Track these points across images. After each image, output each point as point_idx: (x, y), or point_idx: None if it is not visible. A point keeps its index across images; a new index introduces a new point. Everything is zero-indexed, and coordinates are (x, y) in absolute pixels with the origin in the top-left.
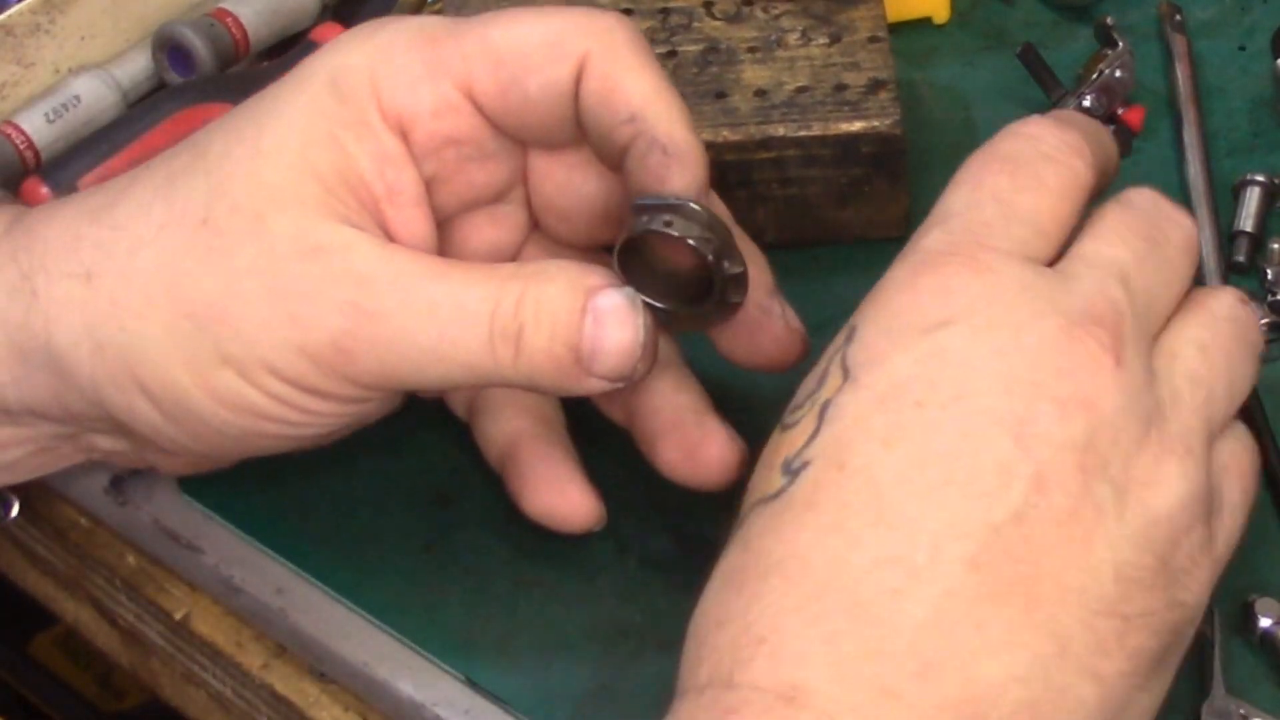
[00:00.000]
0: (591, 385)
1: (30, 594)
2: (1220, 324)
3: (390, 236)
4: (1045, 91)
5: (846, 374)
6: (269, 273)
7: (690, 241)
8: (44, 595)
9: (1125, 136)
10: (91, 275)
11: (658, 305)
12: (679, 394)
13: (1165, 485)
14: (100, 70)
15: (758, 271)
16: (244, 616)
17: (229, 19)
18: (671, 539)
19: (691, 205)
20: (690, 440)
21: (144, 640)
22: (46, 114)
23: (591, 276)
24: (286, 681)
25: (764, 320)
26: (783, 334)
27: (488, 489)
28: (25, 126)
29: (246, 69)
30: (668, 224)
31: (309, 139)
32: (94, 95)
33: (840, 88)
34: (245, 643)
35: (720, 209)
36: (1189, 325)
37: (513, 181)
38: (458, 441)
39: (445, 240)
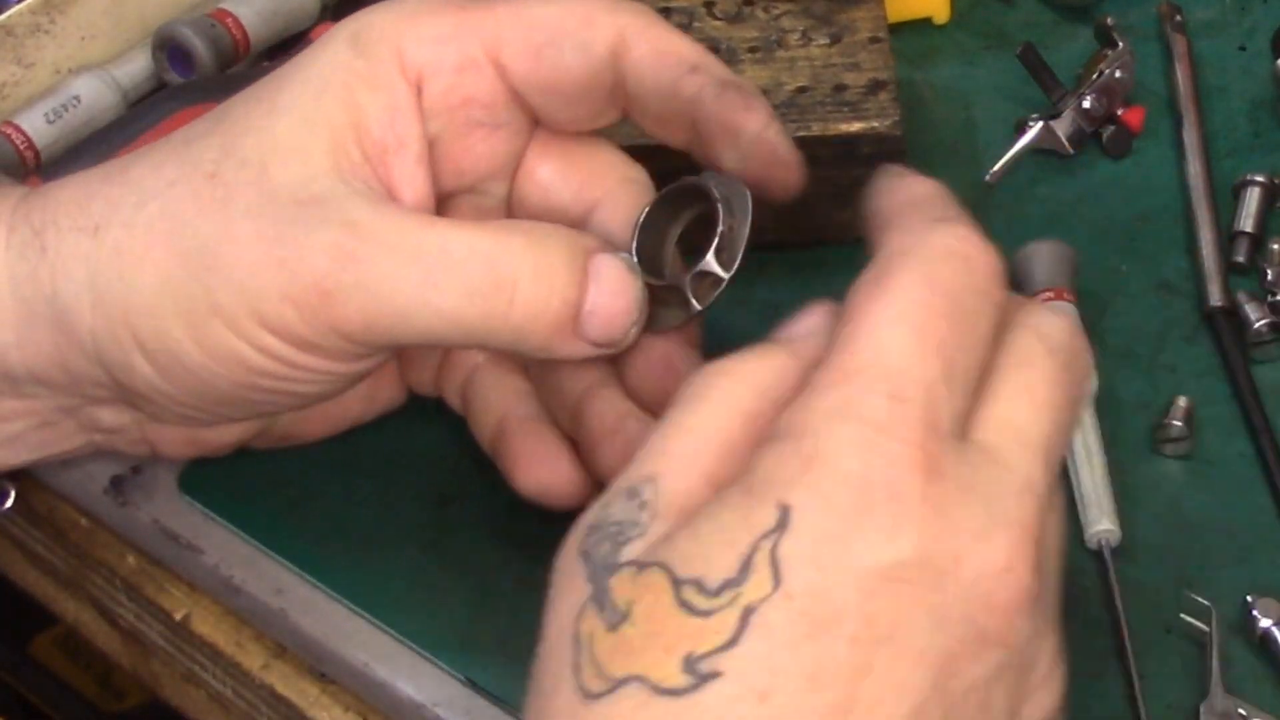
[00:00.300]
0: (578, 349)
1: (30, 594)
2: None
3: (392, 190)
4: (1045, 92)
5: (777, 578)
6: (263, 218)
7: (716, 197)
8: (44, 595)
9: (1125, 137)
10: (99, 228)
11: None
12: (624, 400)
13: (1053, 692)
14: (100, 70)
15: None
16: (244, 617)
17: (229, 19)
18: None
19: (742, 186)
20: (632, 444)
21: (144, 640)
22: (46, 114)
23: (588, 239)
24: (287, 681)
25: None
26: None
27: (487, 489)
28: (25, 127)
29: (247, 69)
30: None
31: (322, 90)
32: (94, 95)
33: (840, 88)
34: (245, 643)
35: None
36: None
37: (505, 168)
38: (458, 442)
39: None
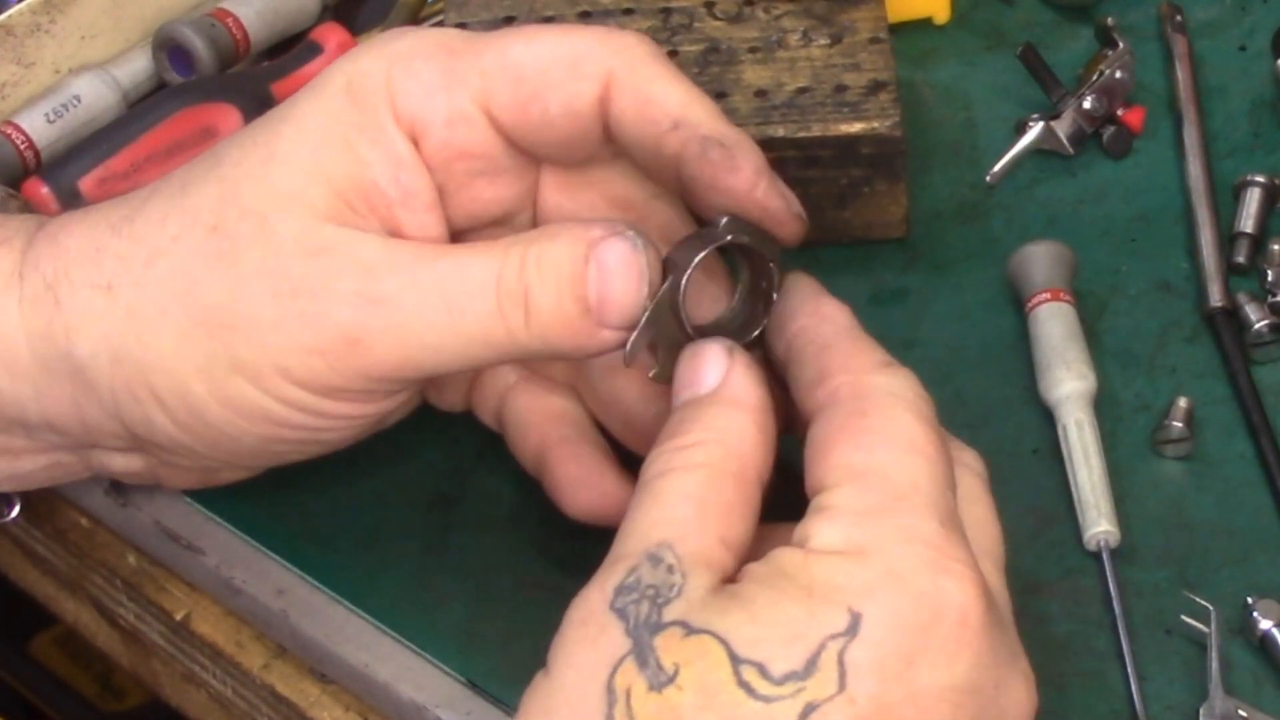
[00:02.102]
0: (606, 338)
1: (31, 594)
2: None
3: (400, 237)
4: (1045, 92)
5: (843, 681)
6: (275, 274)
7: (770, 267)
8: (44, 595)
9: (1125, 137)
10: (111, 286)
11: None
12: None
13: None
14: (100, 70)
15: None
16: (244, 617)
17: (229, 19)
18: None
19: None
20: None
21: (144, 640)
22: (47, 114)
23: (594, 229)
24: (287, 682)
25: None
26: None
27: (488, 490)
28: (25, 126)
29: (247, 69)
30: (747, 236)
31: (321, 143)
32: (94, 95)
33: (840, 89)
34: (246, 643)
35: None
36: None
37: (521, 203)
38: (458, 443)
39: None
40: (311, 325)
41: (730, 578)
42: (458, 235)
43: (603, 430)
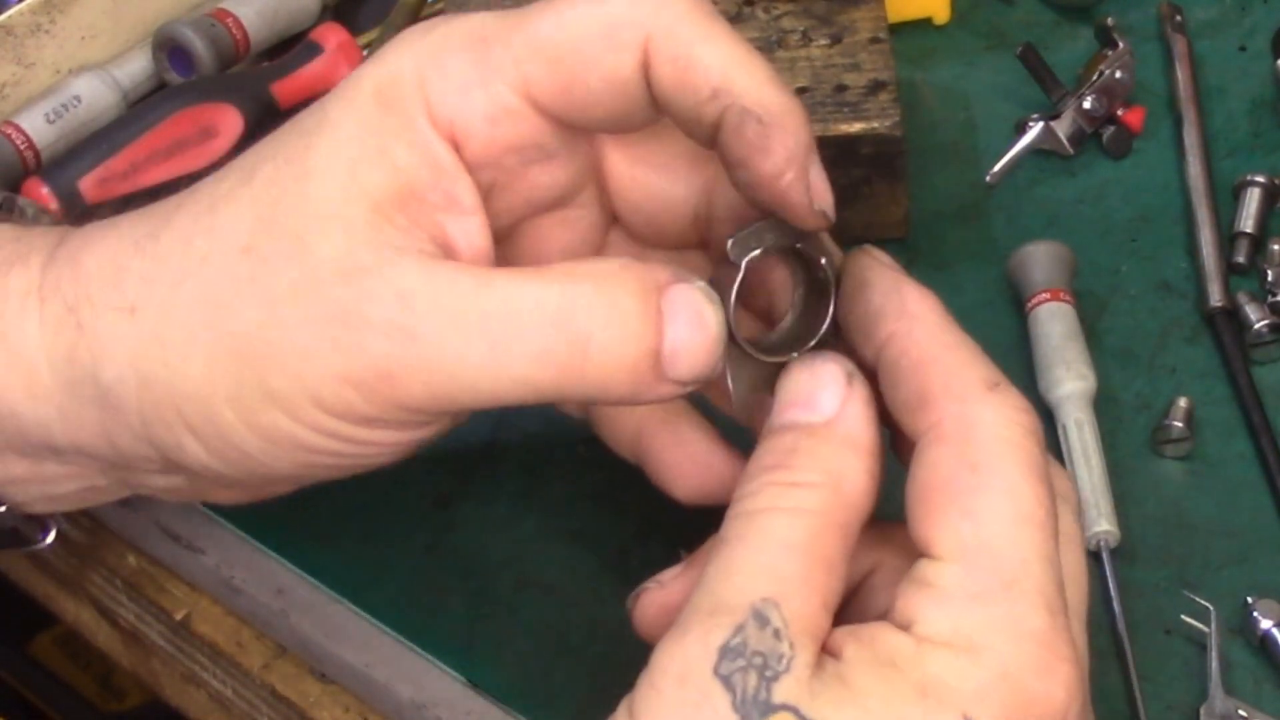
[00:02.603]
0: (665, 391)
1: (31, 594)
2: None
3: (448, 249)
4: (1045, 92)
5: None
6: (310, 298)
7: (823, 263)
8: (45, 595)
9: (1125, 137)
10: (136, 309)
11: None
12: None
13: None
14: (100, 70)
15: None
16: (245, 617)
17: (229, 19)
18: (672, 541)
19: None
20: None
21: (145, 640)
22: (47, 114)
23: (659, 272)
24: (287, 682)
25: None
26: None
27: (487, 489)
28: (25, 126)
29: (247, 69)
30: (799, 245)
31: (358, 156)
32: (94, 95)
33: (841, 88)
34: (246, 643)
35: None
36: None
37: (582, 180)
38: (458, 443)
39: (512, 247)
40: (344, 354)
41: (827, 645)
42: (517, 224)
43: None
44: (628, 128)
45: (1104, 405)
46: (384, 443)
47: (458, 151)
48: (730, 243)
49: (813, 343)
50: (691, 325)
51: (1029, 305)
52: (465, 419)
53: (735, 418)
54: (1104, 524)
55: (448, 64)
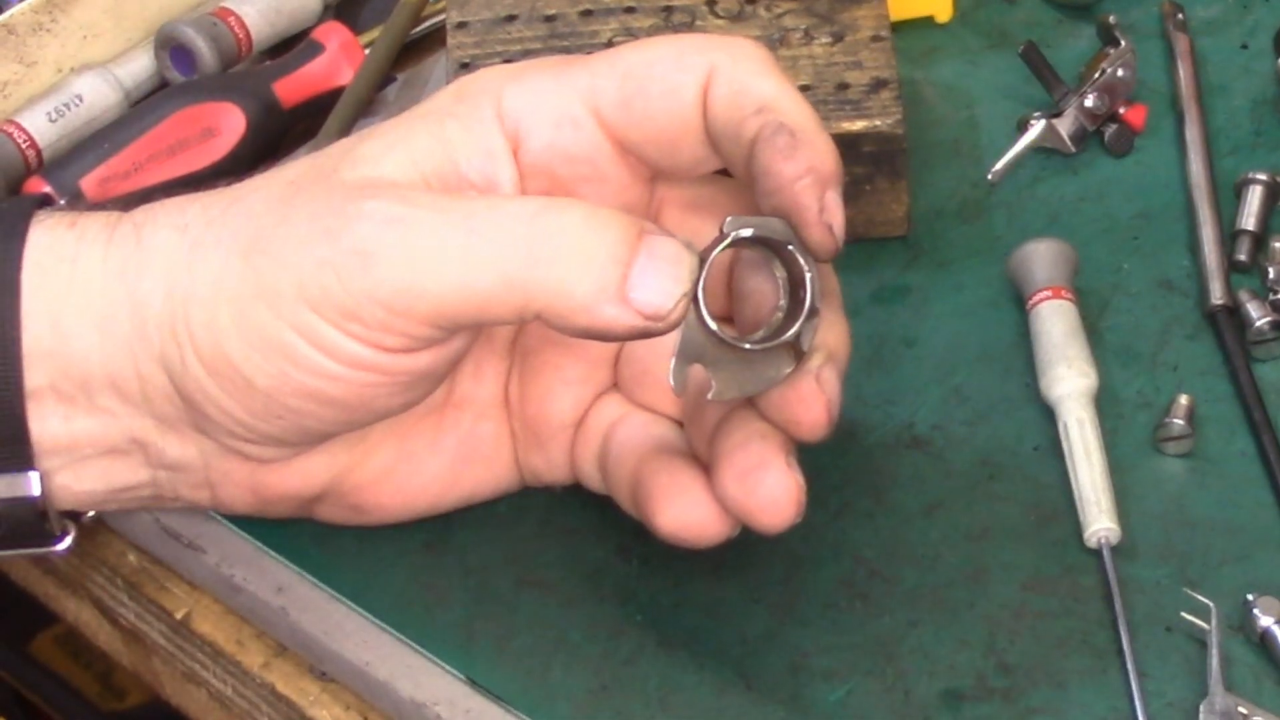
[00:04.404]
0: (623, 314)
1: (31, 593)
2: None
3: None
4: (1047, 90)
5: None
6: (320, 201)
7: (800, 260)
8: (45, 594)
9: (1127, 135)
10: (188, 227)
11: (720, 334)
12: (755, 422)
13: None
14: (102, 69)
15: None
16: (245, 616)
17: (231, 18)
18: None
19: (782, 224)
20: (749, 463)
21: (145, 639)
22: (49, 113)
23: (648, 224)
24: (287, 680)
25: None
26: (812, 399)
27: None
28: (27, 125)
29: (249, 68)
30: (774, 239)
31: (417, 129)
32: (96, 94)
33: (842, 86)
34: (246, 642)
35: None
36: None
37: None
38: None
39: None
40: (332, 238)
41: None
42: None
43: None
44: (675, 162)
45: (1105, 403)
46: (363, 363)
47: (516, 152)
48: (729, 219)
49: (771, 344)
50: (664, 258)
51: (1030, 303)
52: (448, 362)
53: (671, 386)
54: (1105, 521)
55: (528, 74)
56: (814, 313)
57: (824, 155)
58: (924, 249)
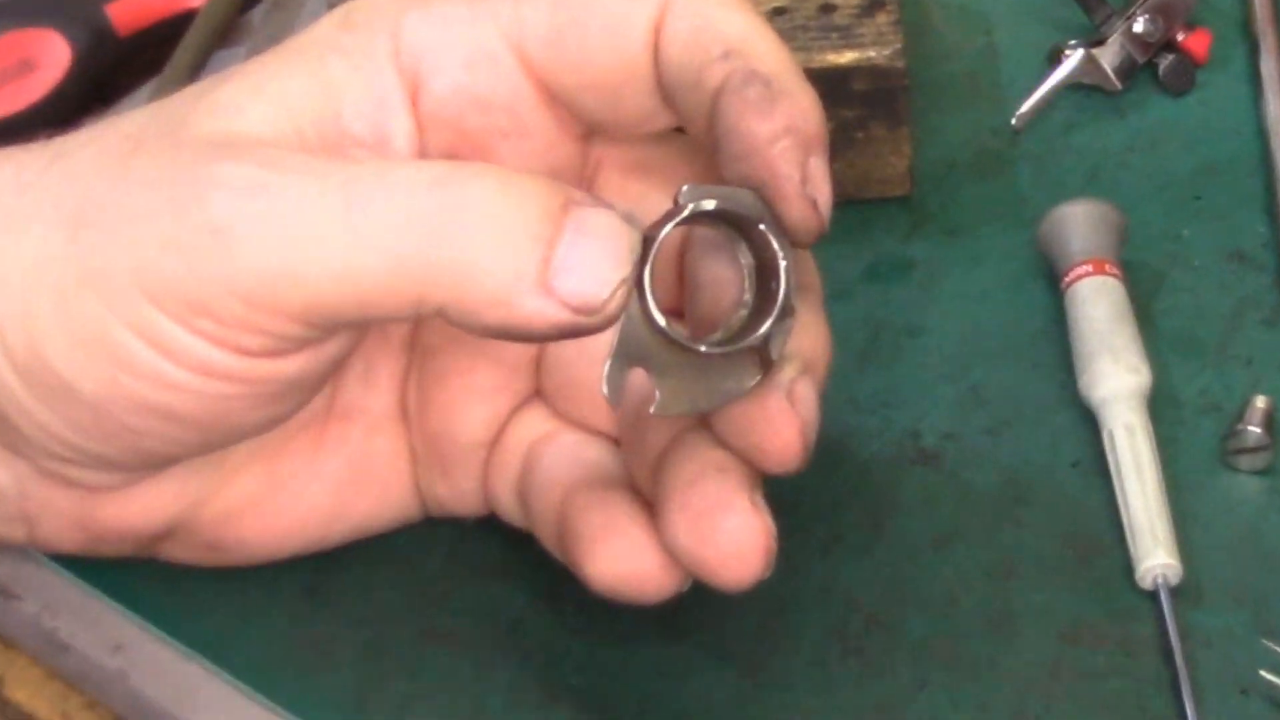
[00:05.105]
0: (547, 309)
1: None
2: None
3: None
4: (1086, 12)
5: None
6: (163, 158)
7: (773, 242)
8: None
9: (1187, 68)
10: (25, 188)
11: (676, 336)
12: (710, 449)
13: None
14: None
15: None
16: (72, 680)
17: None
18: None
19: (752, 198)
20: (704, 503)
21: None
22: None
23: (577, 192)
24: None
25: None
26: (782, 420)
27: None
28: None
29: None
30: (731, 207)
31: (291, 64)
32: None
33: (827, 8)
34: (74, 713)
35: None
36: None
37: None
38: None
39: None
40: (179, 212)
41: None
42: None
43: None
44: (616, 116)
45: (1161, 406)
46: (217, 368)
47: (415, 97)
48: (684, 189)
49: (732, 348)
50: (599, 234)
51: (1066, 281)
52: (325, 368)
53: (604, 394)
54: (1162, 555)
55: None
56: (788, 311)
57: (806, 110)
58: (931, 213)
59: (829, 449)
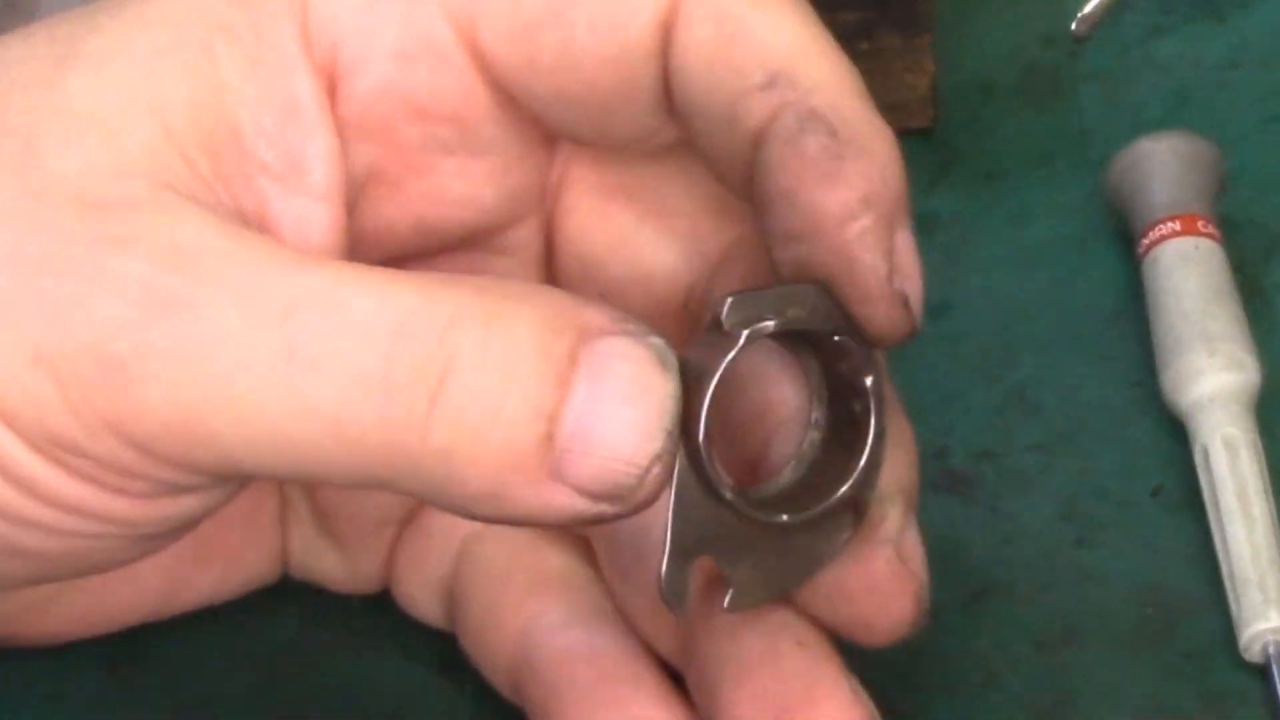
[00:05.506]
0: (556, 501)
1: None
2: None
3: (269, 232)
4: None
5: None
6: (19, 227)
7: (853, 354)
8: None
9: None
10: None
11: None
12: (782, 612)
13: None
14: None
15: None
16: None
17: None
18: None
19: (816, 295)
20: (785, 693)
21: None
22: None
23: (590, 311)
24: None
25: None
26: (895, 586)
27: (177, 641)
28: None
29: None
30: (794, 319)
31: (169, 56)
32: None
33: None
34: None
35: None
36: None
37: (520, 208)
38: None
39: None
40: (56, 317)
41: None
42: (393, 262)
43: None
44: (610, 131)
45: (1273, 414)
46: (83, 507)
47: (332, 95)
48: (729, 303)
49: (825, 503)
50: (623, 396)
51: (1144, 244)
52: (216, 506)
53: (664, 596)
54: (1274, 617)
55: None
56: (881, 438)
57: (885, 166)
58: (960, 150)
59: None
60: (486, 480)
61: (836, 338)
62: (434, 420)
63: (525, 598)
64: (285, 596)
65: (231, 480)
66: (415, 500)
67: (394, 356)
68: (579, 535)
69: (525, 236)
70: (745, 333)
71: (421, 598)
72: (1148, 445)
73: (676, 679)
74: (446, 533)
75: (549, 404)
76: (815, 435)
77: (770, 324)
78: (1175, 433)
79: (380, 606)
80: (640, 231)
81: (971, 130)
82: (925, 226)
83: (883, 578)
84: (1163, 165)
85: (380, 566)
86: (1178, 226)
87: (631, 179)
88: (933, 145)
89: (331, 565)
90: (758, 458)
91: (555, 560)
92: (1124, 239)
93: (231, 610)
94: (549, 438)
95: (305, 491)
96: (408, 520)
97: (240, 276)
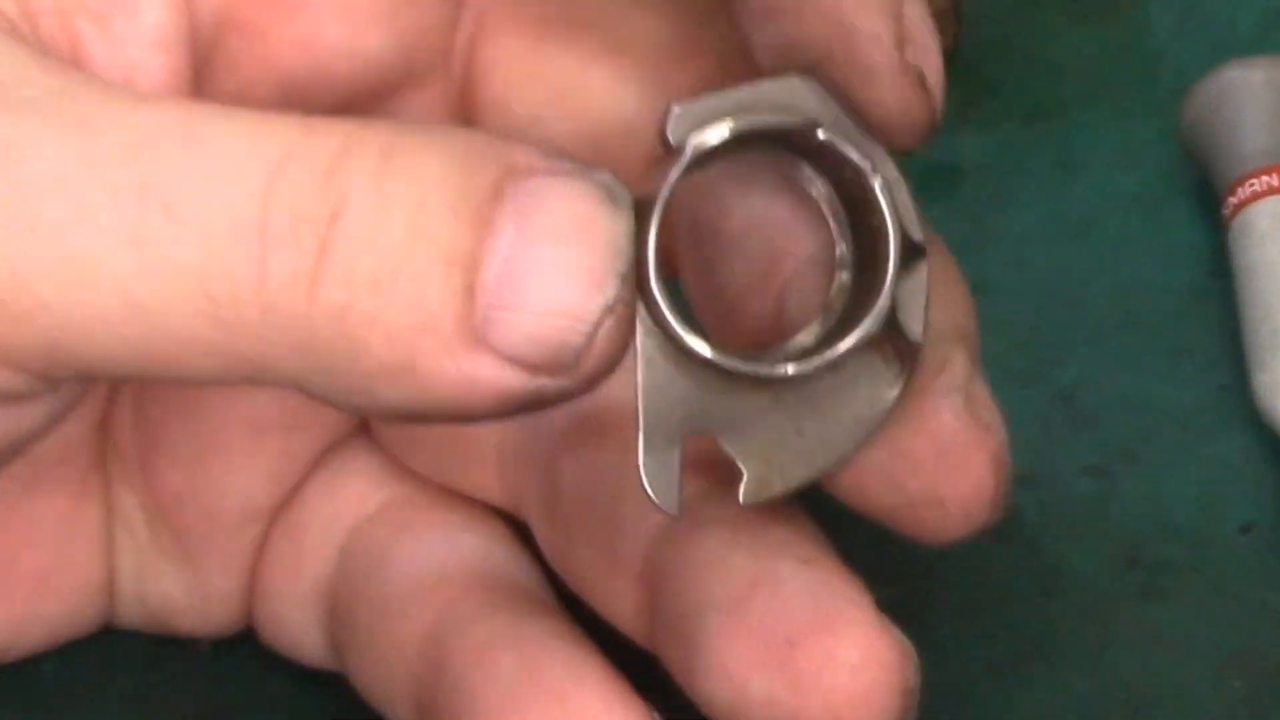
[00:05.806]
0: (470, 374)
1: None
2: None
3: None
4: None
5: None
6: None
7: (827, 138)
8: None
9: None
10: None
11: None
12: (779, 528)
13: None
14: None
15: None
16: None
17: None
18: None
19: (805, 87)
20: (796, 621)
21: None
22: None
23: (518, 149)
24: None
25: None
26: (968, 445)
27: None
28: None
29: None
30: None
31: None
32: None
33: None
34: None
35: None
36: None
37: (413, 65)
38: None
39: None
40: None
41: None
42: None
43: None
44: None
45: None
46: None
47: None
48: (674, 112)
49: (843, 343)
50: (561, 235)
51: (1232, 202)
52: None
53: (650, 497)
54: None
55: None
56: (916, 252)
57: None
58: (992, 82)
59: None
60: (392, 347)
61: (821, 135)
62: (323, 272)
63: (432, 585)
64: (123, 645)
65: (57, 381)
66: (284, 484)
67: (272, 196)
68: (496, 510)
69: (427, 102)
70: (691, 144)
71: (295, 618)
72: (1235, 467)
73: (630, 668)
74: (328, 521)
75: (466, 246)
76: (844, 276)
77: (724, 128)
78: (1272, 451)
79: (234, 648)
80: (586, 76)
81: (1004, 57)
82: (946, 180)
83: (953, 434)
84: (1256, 100)
85: (239, 583)
86: (1275, 181)
87: (570, 11)
88: (956, 73)
89: (174, 587)
90: (772, 321)
91: (468, 539)
92: (1205, 197)
93: (64, 653)
94: (468, 289)
95: (142, 478)
96: (278, 509)
97: (74, 111)
